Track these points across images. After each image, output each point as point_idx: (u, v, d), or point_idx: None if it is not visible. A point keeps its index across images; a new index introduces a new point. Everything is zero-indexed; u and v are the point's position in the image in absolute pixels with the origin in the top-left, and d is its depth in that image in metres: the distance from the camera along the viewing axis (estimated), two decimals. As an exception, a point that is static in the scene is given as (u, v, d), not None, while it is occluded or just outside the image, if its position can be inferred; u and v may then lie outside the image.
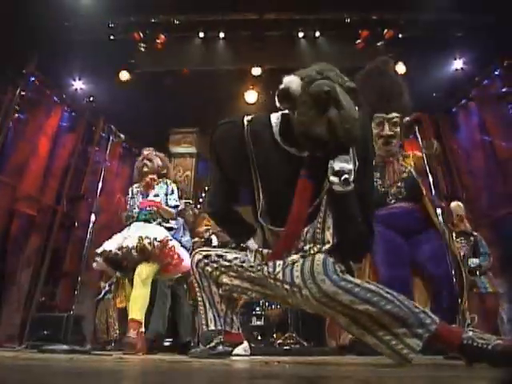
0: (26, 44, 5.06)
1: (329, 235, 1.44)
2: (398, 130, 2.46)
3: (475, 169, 5.73)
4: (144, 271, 2.71)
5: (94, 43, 5.86)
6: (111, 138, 2.95)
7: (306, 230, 1.46)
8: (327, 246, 1.43)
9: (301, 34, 6.26)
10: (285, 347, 4.38)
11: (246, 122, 1.49)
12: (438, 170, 2.65)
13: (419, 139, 2.27)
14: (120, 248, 2.70)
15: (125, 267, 2.79)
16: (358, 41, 6.17)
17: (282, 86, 1.34)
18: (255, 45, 6.35)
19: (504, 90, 5.48)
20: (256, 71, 6.59)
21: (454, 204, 4.33)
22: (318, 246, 1.44)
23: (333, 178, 1.30)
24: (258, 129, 1.48)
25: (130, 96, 6.11)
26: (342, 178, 1.28)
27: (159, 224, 3.01)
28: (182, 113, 6.96)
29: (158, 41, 6.23)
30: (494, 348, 1.20)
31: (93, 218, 2.63)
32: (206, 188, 7.98)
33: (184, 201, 4.42)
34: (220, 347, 1.65)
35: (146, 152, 3.26)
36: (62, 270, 5.72)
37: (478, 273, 3.92)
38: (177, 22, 6.14)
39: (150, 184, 3.08)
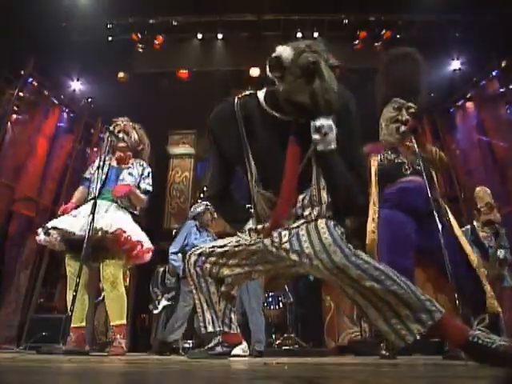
0: (24, 45, 5.06)
1: (325, 194, 1.50)
2: (411, 120, 2.36)
3: (473, 169, 5.75)
4: (110, 273, 2.57)
5: (93, 44, 5.86)
6: (109, 138, 2.91)
7: (301, 196, 1.51)
8: (324, 206, 1.49)
9: (299, 35, 6.25)
10: (284, 348, 4.38)
11: (236, 99, 1.59)
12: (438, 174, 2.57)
13: (415, 147, 2.25)
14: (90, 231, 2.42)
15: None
16: (356, 41, 6.19)
17: (274, 54, 1.43)
18: (253, 45, 6.34)
19: (502, 90, 5.50)
20: (254, 72, 6.59)
21: (479, 189, 3.91)
22: (317, 208, 1.49)
23: (315, 136, 1.40)
24: (246, 101, 1.58)
25: (129, 97, 6.10)
26: (323, 131, 1.38)
27: (123, 208, 2.74)
28: (181, 114, 6.95)
29: (156, 42, 6.24)
30: (497, 348, 1.20)
31: (90, 218, 2.60)
32: (205, 188, 7.98)
33: (204, 203, 4.29)
34: (219, 348, 1.66)
35: (121, 123, 2.87)
36: (60, 271, 5.71)
37: (503, 266, 3.61)
38: (175, 23, 6.15)
39: (123, 158, 2.81)
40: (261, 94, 1.57)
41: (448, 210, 2.32)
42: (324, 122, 1.38)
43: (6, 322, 4.83)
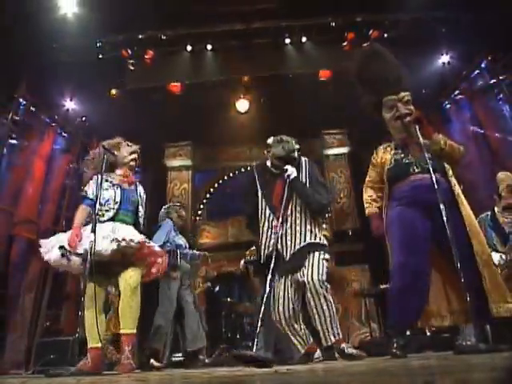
0: (15, 68, 5.08)
1: (317, 231, 2.67)
2: (412, 107, 2.34)
3: (470, 161, 5.75)
4: (134, 277, 2.52)
5: (83, 63, 5.88)
6: (105, 156, 2.91)
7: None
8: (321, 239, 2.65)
9: (287, 41, 6.32)
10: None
11: (254, 165, 3.01)
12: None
13: (420, 139, 2.21)
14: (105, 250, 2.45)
15: (104, 272, 2.52)
16: (345, 43, 6.24)
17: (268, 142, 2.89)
18: (243, 54, 6.39)
19: (492, 81, 5.54)
20: (245, 80, 6.63)
21: (501, 173, 3.83)
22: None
23: (287, 173, 2.67)
24: (259, 165, 2.94)
25: (123, 113, 6.13)
26: (288, 171, 2.68)
27: (134, 226, 2.72)
28: (176, 126, 6.99)
29: (147, 56, 6.27)
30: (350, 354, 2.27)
31: (92, 237, 2.59)
32: (204, 201, 7.99)
33: (168, 204, 4.44)
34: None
35: (135, 147, 2.93)
36: (64, 293, 5.68)
37: None
38: (164, 36, 6.19)
39: (126, 176, 2.86)
40: (268, 162, 2.85)
41: (464, 203, 2.27)
42: (288, 167, 2.69)
43: (13, 347, 4.79)
